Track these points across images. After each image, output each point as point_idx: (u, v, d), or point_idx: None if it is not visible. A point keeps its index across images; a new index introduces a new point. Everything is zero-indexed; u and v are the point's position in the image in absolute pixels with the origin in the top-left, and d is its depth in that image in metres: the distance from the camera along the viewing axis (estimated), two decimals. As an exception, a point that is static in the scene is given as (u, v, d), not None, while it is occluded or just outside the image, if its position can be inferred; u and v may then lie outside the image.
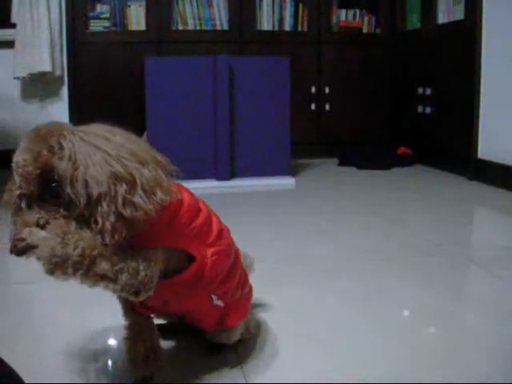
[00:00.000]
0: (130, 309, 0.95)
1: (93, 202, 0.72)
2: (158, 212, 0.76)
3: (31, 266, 0.77)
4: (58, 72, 3.40)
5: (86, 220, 0.73)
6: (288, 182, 2.96)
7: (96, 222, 0.72)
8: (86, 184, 0.72)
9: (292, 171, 3.07)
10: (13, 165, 0.74)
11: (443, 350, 1.11)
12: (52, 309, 1.32)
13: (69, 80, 3.47)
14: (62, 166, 0.72)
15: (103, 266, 0.73)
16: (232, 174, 2.93)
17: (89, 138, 0.75)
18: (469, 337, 1.19)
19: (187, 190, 0.92)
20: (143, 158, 0.78)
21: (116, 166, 0.74)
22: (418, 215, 2.24)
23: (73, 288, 1.45)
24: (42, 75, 3.34)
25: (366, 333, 1.19)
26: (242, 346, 1.08)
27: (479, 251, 1.85)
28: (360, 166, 3.39)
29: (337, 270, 1.61)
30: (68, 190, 0.72)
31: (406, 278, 1.53)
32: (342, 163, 3.53)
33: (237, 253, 1.02)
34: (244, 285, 1.04)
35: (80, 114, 3.43)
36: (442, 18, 3.29)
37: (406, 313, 1.32)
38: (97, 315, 1.19)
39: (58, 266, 0.72)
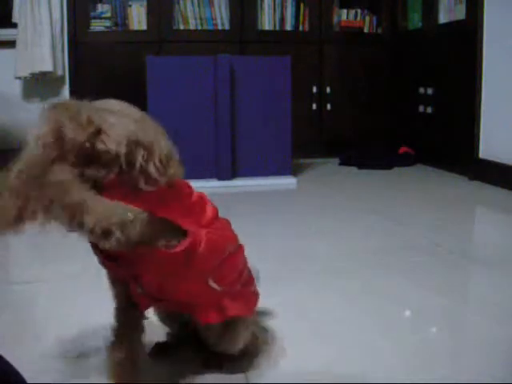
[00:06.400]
0: (124, 308, 0.93)
1: (109, 160, 0.76)
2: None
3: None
4: (59, 71, 3.40)
5: None
6: (289, 181, 2.96)
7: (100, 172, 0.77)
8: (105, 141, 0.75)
9: (293, 171, 3.06)
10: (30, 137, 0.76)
11: (443, 349, 1.11)
12: (52, 308, 1.33)
13: (70, 80, 3.47)
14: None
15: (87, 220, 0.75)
16: (233, 174, 2.93)
17: (110, 107, 0.81)
18: (469, 336, 1.20)
19: None
20: (161, 132, 0.83)
21: (138, 131, 0.78)
22: (418, 215, 2.24)
23: (73, 288, 1.45)
24: (43, 75, 3.35)
25: (367, 333, 1.19)
26: (247, 358, 1.05)
27: (480, 251, 1.85)
28: (361, 166, 3.39)
29: (337, 269, 1.61)
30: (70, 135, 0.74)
31: (407, 277, 1.53)
32: (343, 163, 3.53)
33: (241, 248, 1.00)
34: (247, 283, 1.01)
35: (81, 113, 3.43)
36: (443, 18, 3.29)
37: (407, 313, 1.32)
38: (97, 315, 1.19)
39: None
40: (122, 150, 0.76)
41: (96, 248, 0.85)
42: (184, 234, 0.85)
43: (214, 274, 0.92)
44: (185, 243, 0.84)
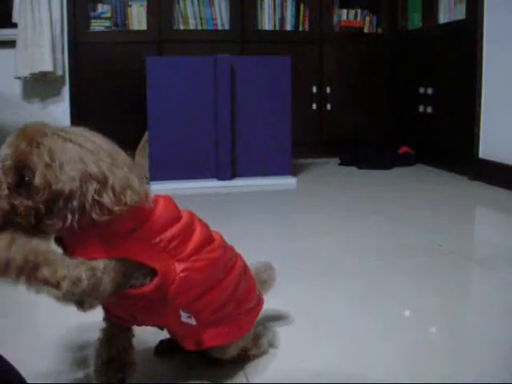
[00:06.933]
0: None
1: (63, 198, 0.75)
2: (122, 218, 0.78)
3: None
4: (59, 72, 3.40)
5: (40, 219, 0.76)
6: (289, 181, 2.96)
7: (59, 218, 0.76)
8: (58, 179, 0.74)
9: (293, 171, 3.07)
10: None
11: (443, 349, 1.11)
12: (52, 309, 1.32)
13: (70, 80, 3.47)
14: (34, 159, 0.75)
15: (45, 272, 0.74)
16: (233, 174, 2.93)
17: (69, 137, 0.78)
18: (469, 336, 1.20)
19: (167, 199, 0.89)
20: (118, 160, 0.81)
21: (90, 164, 0.77)
22: (419, 215, 2.24)
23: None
24: (43, 75, 3.35)
25: (367, 333, 1.19)
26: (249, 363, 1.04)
27: (480, 251, 1.85)
28: (361, 166, 3.39)
29: (337, 269, 1.61)
30: (36, 182, 0.74)
31: (407, 277, 1.53)
32: (343, 163, 3.53)
33: (237, 265, 0.97)
34: (243, 301, 0.98)
35: (81, 113, 3.44)
36: (443, 18, 3.29)
37: (407, 312, 1.32)
38: (96, 315, 1.19)
39: (1, 270, 0.73)
40: (75, 186, 0.75)
41: None
42: (152, 273, 0.84)
43: (193, 307, 0.90)
44: (152, 284, 0.83)
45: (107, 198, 0.76)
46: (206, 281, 0.90)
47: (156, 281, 0.83)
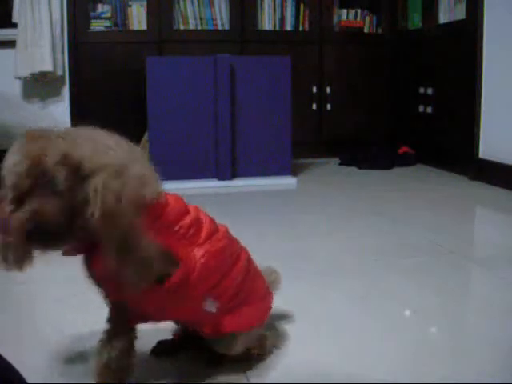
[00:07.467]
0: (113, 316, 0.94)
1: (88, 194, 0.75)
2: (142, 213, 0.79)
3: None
4: (59, 72, 3.40)
5: None
6: (289, 181, 2.96)
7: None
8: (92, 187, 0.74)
9: (293, 171, 3.07)
10: (5, 167, 0.76)
11: (443, 349, 1.11)
12: (51, 308, 1.33)
13: (70, 80, 3.47)
14: (49, 162, 0.74)
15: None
16: (233, 174, 2.93)
17: (85, 137, 0.78)
18: (469, 336, 1.20)
19: (173, 195, 0.91)
20: (135, 156, 0.81)
21: (111, 158, 0.77)
22: (419, 215, 2.24)
23: (72, 288, 1.45)
24: (43, 75, 3.35)
25: (367, 333, 1.19)
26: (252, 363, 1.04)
27: (480, 251, 1.86)
28: (361, 166, 3.39)
29: (337, 269, 1.61)
30: (59, 183, 0.74)
31: (407, 277, 1.53)
32: (343, 163, 3.53)
33: (242, 257, 0.99)
34: (253, 290, 1.00)
35: (81, 113, 3.43)
36: (443, 18, 3.29)
37: (407, 312, 1.32)
38: (97, 314, 1.19)
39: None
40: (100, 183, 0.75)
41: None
42: (176, 262, 0.85)
43: (213, 293, 0.91)
44: (178, 275, 0.84)
45: (129, 191, 0.77)
46: (220, 267, 0.92)
47: (179, 270, 0.84)
